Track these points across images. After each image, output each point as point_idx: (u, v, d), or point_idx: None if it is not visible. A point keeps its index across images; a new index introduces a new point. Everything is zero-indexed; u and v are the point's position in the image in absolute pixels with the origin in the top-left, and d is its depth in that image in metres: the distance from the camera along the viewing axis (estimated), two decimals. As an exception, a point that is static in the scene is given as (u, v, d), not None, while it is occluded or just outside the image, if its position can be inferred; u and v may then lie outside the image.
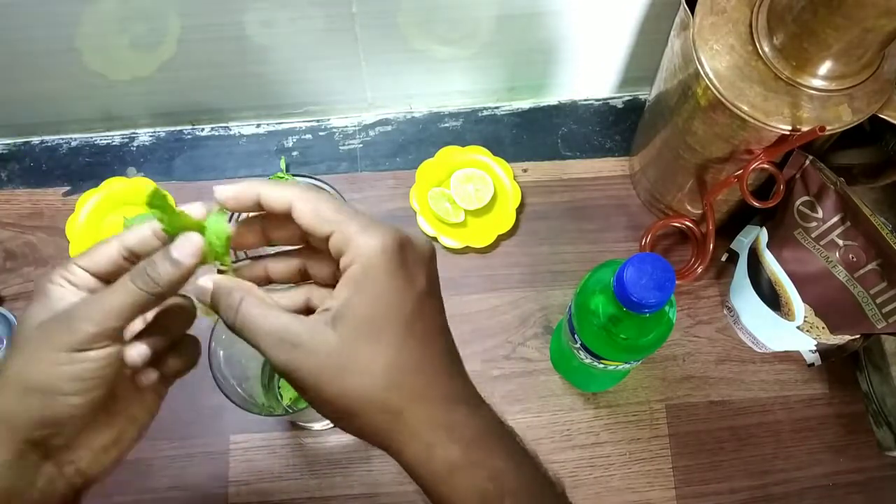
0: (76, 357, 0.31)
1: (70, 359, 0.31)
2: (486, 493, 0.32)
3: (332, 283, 0.33)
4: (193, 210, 0.33)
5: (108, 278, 0.33)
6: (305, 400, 0.32)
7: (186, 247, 0.32)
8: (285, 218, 0.32)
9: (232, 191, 0.32)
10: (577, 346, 0.52)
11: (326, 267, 0.34)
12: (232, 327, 0.32)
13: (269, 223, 0.35)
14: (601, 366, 0.52)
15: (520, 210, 0.68)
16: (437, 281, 0.33)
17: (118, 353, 0.32)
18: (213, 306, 0.33)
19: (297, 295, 0.35)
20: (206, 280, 0.33)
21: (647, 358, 0.63)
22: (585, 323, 0.49)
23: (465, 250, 0.67)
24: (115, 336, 0.32)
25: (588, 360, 0.52)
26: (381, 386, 0.30)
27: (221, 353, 0.49)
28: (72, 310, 0.32)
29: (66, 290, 0.33)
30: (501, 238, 0.67)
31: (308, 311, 0.34)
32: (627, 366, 0.53)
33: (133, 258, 0.33)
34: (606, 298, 0.47)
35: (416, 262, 0.32)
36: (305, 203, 0.31)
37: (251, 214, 0.35)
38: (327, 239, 0.31)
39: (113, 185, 0.68)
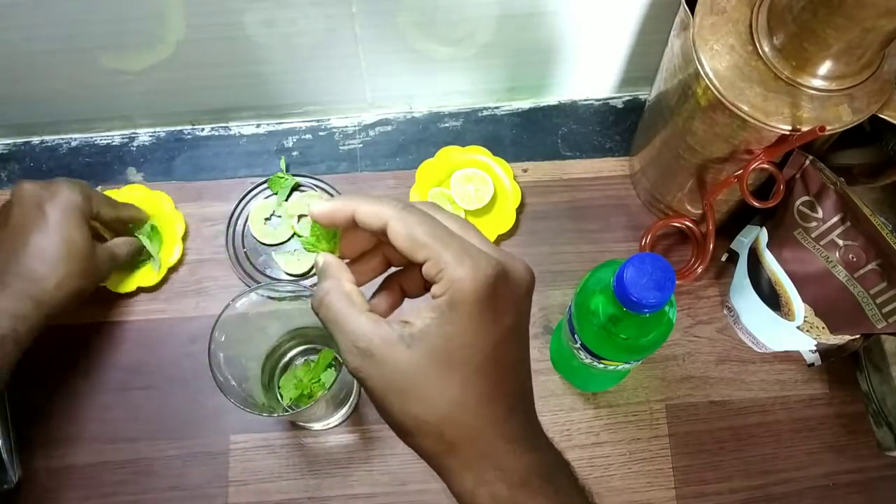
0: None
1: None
2: None
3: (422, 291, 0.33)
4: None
5: None
6: (370, 400, 0.33)
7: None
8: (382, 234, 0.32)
9: (327, 208, 0.32)
10: (577, 346, 0.52)
11: (417, 280, 0.34)
12: (316, 313, 0.33)
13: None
14: (601, 366, 0.52)
15: (520, 210, 0.68)
16: (527, 315, 0.34)
17: None
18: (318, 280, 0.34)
19: (389, 293, 0.35)
20: (321, 257, 0.34)
21: (647, 358, 0.63)
22: (585, 323, 0.49)
23: (465, 250, 0.67)
24: None
25: (588, 360, 0.52)
26: (439, 419, 0.31)
27: (221, 353, 0.49)
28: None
29: None
30: (501, 238, 0.67)
31: (402, 297, 0.35)
32: (627, 366, 0.53)
33: None
34: (606, 298, 0.47)
35: (508, 297, 0.32)
36: (400, 224, 0.31)
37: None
38: (422, 263, 0.31)
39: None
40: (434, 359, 0.31)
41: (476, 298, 0.30)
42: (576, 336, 0.51)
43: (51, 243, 0.54)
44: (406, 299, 0.37)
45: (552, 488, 0.33)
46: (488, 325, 0.31)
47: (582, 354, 0.52)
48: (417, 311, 0.31)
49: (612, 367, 0.52)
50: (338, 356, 0.58)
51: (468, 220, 0.34)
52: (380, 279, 0.36)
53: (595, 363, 0.52)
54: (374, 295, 0.35)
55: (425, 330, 0.31)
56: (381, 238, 0.33)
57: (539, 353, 0.64)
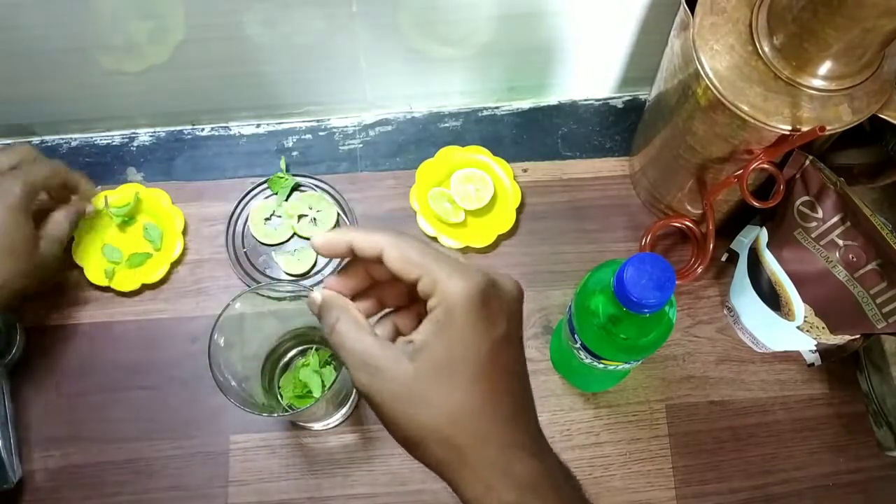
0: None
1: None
2: None
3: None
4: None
5: None
6: (379, 420, 0.34)
7: None
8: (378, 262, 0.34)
9: (325, 238, 0.35)
10: (577, 346, 0.52)
11: (411, 318, 0.37)
12: (328, 341, 0.35)
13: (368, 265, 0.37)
14: (601, 366, 0.52)
15: (520, 210, 0.68)
16: (520, 326, 0.35)
17: None
18: (318, 317, 0.36)
19: (388, 324, 0.37)
20: (317, 293, 0.36)
21: (647, 358, 0.63)
22: (585, 323, 0.49)
23: (466, 250, 0.67)
24: None
25: (588, 361, 0.52)
26: (446, 423, 0.32)
27: (221, 353, 0.49)
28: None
29: None
30: (502, 238, 0.67)
31: (397, 334, 0.37)
32: (627, 366, 0.53)
33: None
34: (606, 298, 0.47)
35: (499, 307, 0.34)
36: (394, 249, 0.33)
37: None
38: (416, 281, 0.33)
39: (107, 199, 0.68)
40: (435, 367, 0.32)
41: (469, 306, 0.32)
42: (576, 336, 0.51)
43: None
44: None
45: (559, 496, 0.34)
46: (483, 332, 0.33)
47: (582, 354, 0.52)
48: (418, 330, 0.33)
49: (612, 367, 0.52)
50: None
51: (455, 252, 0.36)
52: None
53: (595, 363, 0.52)
54: (373, 328, 0.37)
55: (425, 342, 0.33)
56: (373, 273, 0.36)
57: (539, 353, 0.64)
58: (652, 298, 0.42)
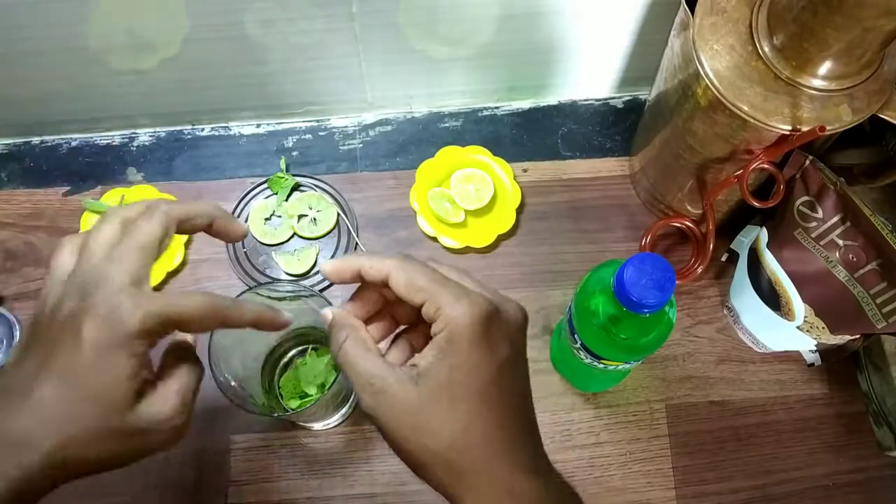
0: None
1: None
2: None
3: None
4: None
5: None
6: (384, 439, 0.35)
7: None
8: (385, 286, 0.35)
9: (333, 266, 0.36)
10: (578, 346, 0.52)
11: (424, 335, 0.37)
12: (335, 359, 0.35)
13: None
14: (601, 366, 0.52)
15: (520, 210, 0.68)
16: (523, 350, 0.36)
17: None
18: (328, 336, 0.36)
19: (404, 345, 0.38)
20: (328, 311, 0.37)
21: (647, 358, 0.63)
22: (585, 323, 0.49)
23: (466, 250, 0.67)
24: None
25: (588, 360, 0.52)
26: (448, 447, 0.33)
27: (221, 353, 0.49)
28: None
29: None
30: (501, 238, 0.67)
31: (413, 353, 0.38)
32: (627, 366, 0.53)
33: None
34: (606, 298, 0.47)
35: (502, 333, 0.34)
36: (401, 273, 0.34)
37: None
38: (421, 306, 0.34)
39: (115, 198, 0.68)
40: (438, 392, 0.33)
41: (472, 332, 0.33)
42: (576, 336, 0.51)
43: (59, 391, 0.32)
44: None
45: None
46: (485, 357, 0.33)
47: (582, 354, 0.52)
48: (422, 354, 0.34)
49: (612, 368, 0.52)
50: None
51: (464, 269, 0.37)
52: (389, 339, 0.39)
53: (595, 363, 0.52)
54: (386, 351, 0.37)
55: (428, 367, 0.33)
56: (385, 294, 0.37)
57: (539, 353, 0.64)
58: (652, 298, 0.42)
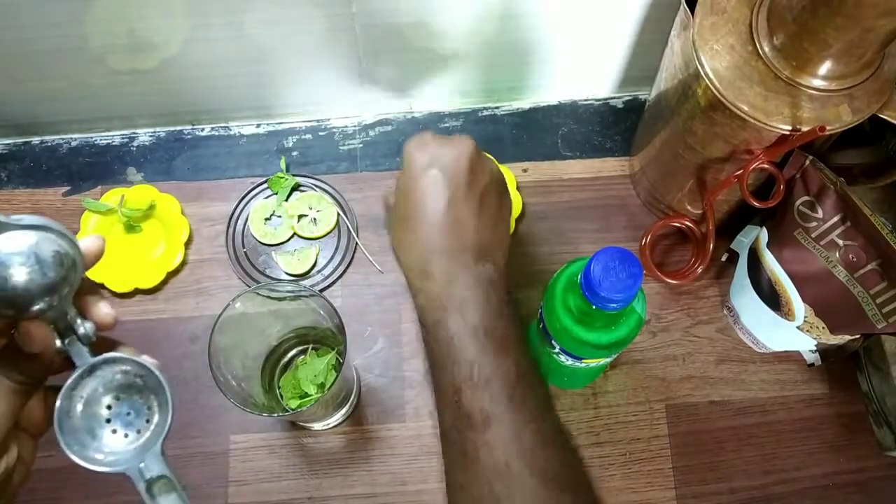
0: None
1: None
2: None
3: None
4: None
5: None
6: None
7: None
8: None
9: None
10: (556, 350, 0.51)
11: None
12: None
13: None
14: (583, 365, 0.52)
15: (519, 219, 0.68)
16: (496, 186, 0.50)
17: None
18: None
19: None
20: None
21: (647, 358, 0.63)
22: (557, 325, 0.48)
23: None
24: None
25: (570, 362, 0.52)
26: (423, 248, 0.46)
27: (221, 353, 0.49)
28: None
29: None
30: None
31: None
32: (607, 360, 0.53)
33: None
34: (575, 296, 0.46)
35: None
36: None
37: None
38: None
39: (114, 198, 0.67)
40: (400, 219, 0.48)
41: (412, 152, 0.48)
42: (553, 342, 0.51)
43: None
44: None
45: (519, 325, 0.44)
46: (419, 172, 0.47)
47: (563, 358, 0.52)
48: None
49: (593, 364, 0.52)
50: (338, 357, 0.58)
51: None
52: None
53: (577, 364, 0.52)
54: None
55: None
56: None
57: (539, 353, 0.64)
58: (619, 293, 0.41)
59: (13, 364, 0.32)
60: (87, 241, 0.34)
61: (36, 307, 0.30)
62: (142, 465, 0.33)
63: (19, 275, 0.29)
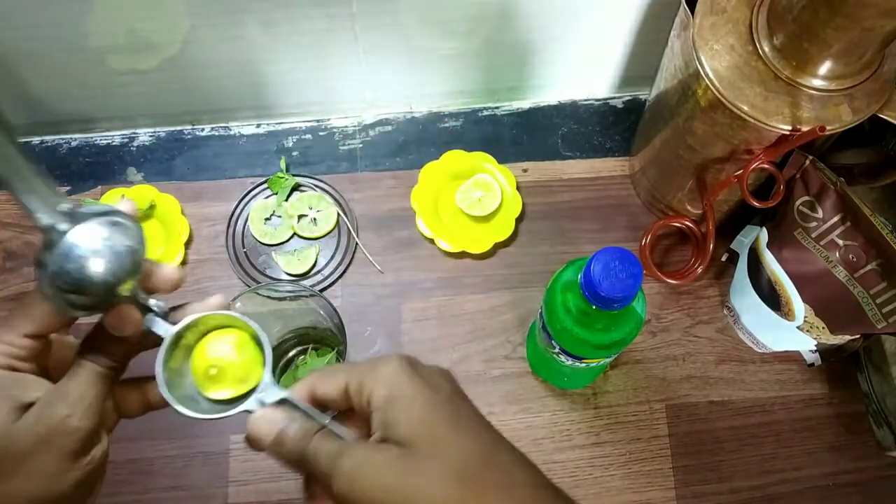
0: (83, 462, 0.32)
1: (77, 465, 0.32)
2: None
3: None
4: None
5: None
6: None
7: None
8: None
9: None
10: (556, 350, 0.51)
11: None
12: (285, 454, 0.33)
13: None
14: (583, 365, 0.52)
15: (519, 219, 0.68)
16: (463, 392, 0.33)
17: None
18: (252, 437, 0.34)
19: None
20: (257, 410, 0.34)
21: (647, 358, 0.63)
22: (558, 326, 0.48)
23: (461, 255, 0.66)
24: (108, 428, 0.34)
25: (570, 363, 0.52)
26: (453, 481, 0.29)
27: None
28: (60, 412, 0.31)
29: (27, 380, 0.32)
30: (498, 246, 0.67)
31: None
32: (607, 360, 0.53)
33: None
34: (575, 296, 0.46)
35: (431, 373, 0.33)
36: (320, 380, 0.33)
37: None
38: (346, 391, 0.32)
39: (114, 198, 0.67)
40: (411, 436, 0.30)
41: (403, 371, 0.31)
42: (553, 341, 0.51)
43: None
44: None
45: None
46: (430, 389, 0.31)
47: (563, 358, 0.52)
48: (371, 430, 0.31)
49: (593, 364, 0.52)
50: (338, 357, 0.58)
51: None
52: None
53: (577, 364, 0.52)
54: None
55: (384, 424, 0.31)
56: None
57: (539, 353, 0.64)
58: (620, 293, 0.41)
59: (101, 349, 0.33)
60: (167, 270, 0.34)
61: (116, 296, 0.31)
62: (261, 394, 0.34)
63: (98, 266, 0.29)
